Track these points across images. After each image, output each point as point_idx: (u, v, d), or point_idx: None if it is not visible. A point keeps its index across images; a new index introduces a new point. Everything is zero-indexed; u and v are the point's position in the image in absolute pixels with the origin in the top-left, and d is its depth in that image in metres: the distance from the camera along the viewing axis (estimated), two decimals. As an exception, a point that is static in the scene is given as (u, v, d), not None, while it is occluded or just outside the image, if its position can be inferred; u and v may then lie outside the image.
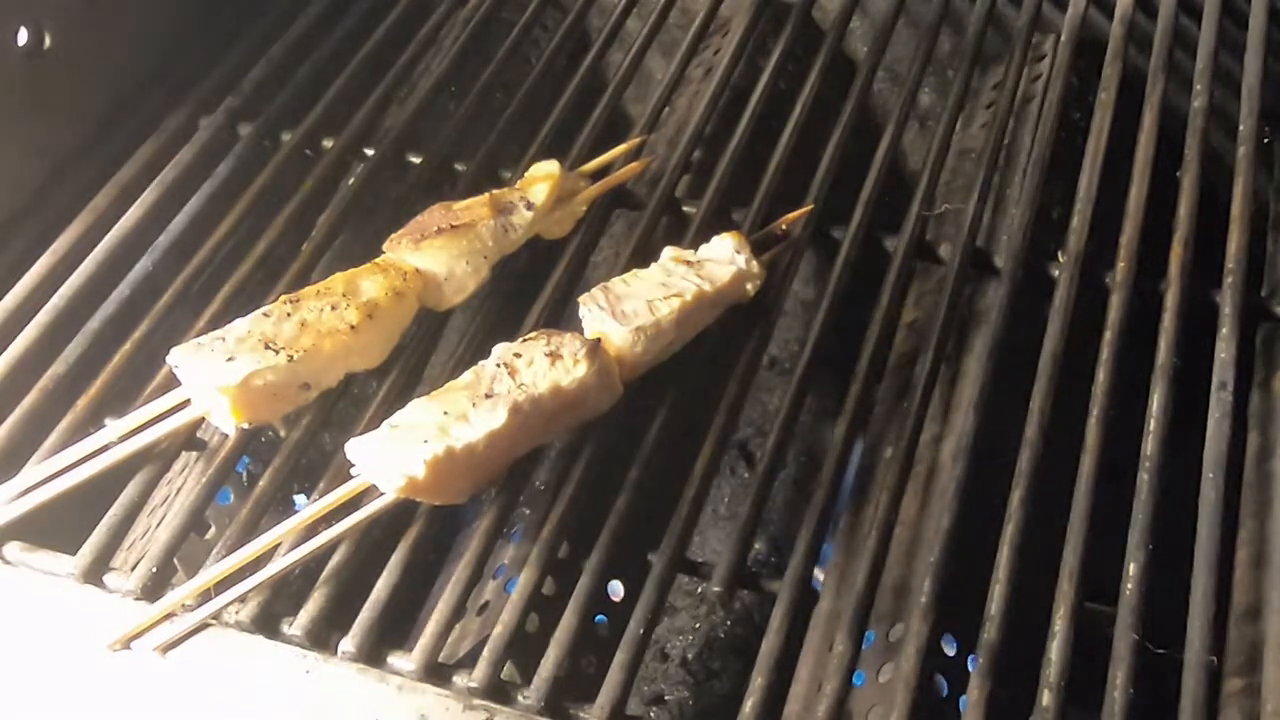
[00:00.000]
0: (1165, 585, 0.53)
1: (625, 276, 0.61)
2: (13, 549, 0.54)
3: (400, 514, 0.55)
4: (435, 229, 0.62)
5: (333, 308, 0.58)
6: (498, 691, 0.50)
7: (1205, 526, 0.55)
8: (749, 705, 0.50)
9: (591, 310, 0.59)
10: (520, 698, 0.50)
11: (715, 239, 0.63)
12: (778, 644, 0.52)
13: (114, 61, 0.77)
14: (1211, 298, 0.64)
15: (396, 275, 0.60)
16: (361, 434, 0.55)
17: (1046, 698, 0.50)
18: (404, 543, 0.54)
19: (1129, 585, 0.53)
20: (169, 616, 0.51)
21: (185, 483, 0.64)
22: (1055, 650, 0.51)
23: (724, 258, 0.62)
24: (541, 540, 0.54)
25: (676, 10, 0.83)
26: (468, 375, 0.55)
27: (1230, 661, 0.52)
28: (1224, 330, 0.62)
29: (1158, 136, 0.71)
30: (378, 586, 0.53)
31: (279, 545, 0.53)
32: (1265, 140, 0.74)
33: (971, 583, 0.54)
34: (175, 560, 0.55)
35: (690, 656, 0.88)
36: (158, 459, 0.57)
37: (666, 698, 0.87)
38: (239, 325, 0.57)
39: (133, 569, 0.53)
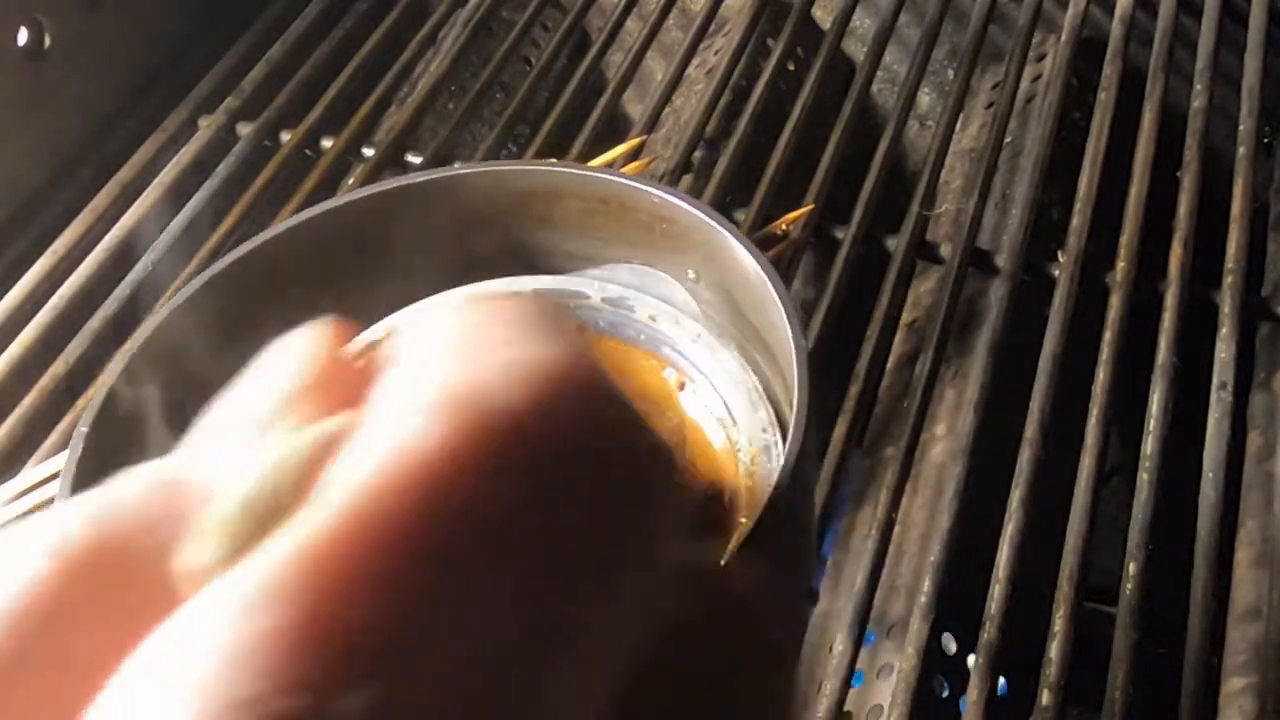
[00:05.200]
0: (1165, 585, 0.53)
1: (625, 276, 0.61)
2: (13, 549, 0.54)
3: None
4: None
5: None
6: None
7: (1205, 526, 0.55)
8: (749, 705, 0.50)
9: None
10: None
11: (715, 239, 0.63)
12: (778, 644, 0.52)
13: (114, 61, 0.77)
14: (1211, 298, 0.64)
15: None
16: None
17: (1046, 698, 0.50)
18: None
19: (1129, 585, 0.53)
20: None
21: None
22: (1055, 650, 0.51)
23: (724, 258, 0.62)
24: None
25: (676, 10, 0.83)
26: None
27: (1230, 661, 0.52)
28: (1224, 330, 0.62)
29: (1158, 136, 0.71)
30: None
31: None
32: (1265, 140, 0.74)
33: (971, 583, 0.54)
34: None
35: (690, 656, 0.88)
36: (158, 459, 0.57)
37: (666, 698, 0.86)
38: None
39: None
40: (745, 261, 0.34)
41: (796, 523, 0.32)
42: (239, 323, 0.32)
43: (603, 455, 0.12)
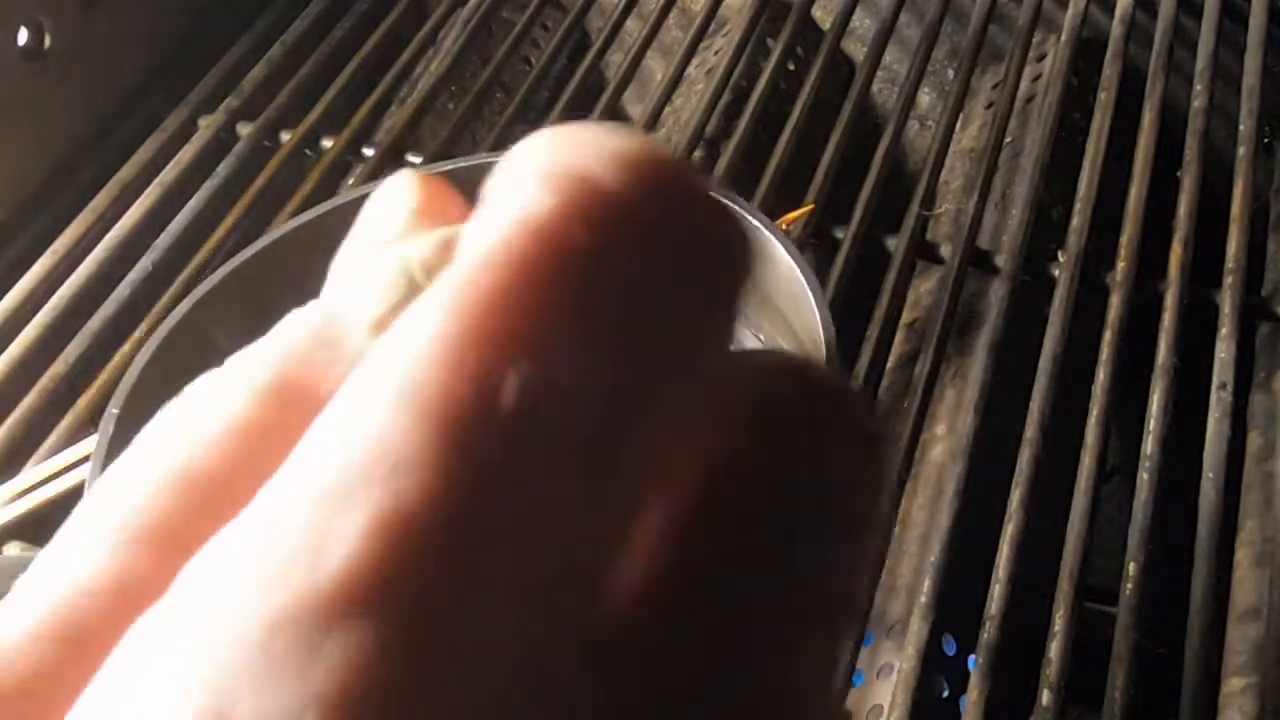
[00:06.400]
0: (1165, 585, 0.53)
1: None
2: (13, 549, 0.54)
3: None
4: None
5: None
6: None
7: (1205, 526, 0.55)
8: (749, 705, 0.50)
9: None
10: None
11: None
12: (778, 644, 0.52)
13: (114, 61, 0.77)
14: (1211, 298, 0.64)
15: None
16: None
17: (1046, 698, 0.50)
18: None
19: (1129, 585, 0.53)
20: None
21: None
22: (1055, 650, 0.51)
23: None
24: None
25: (676, 10, 0.83)
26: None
27: (1230, 661, 0.52)
28: (1224, 330, 0.62)
29: (1158, 136, 0.71)
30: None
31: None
32: (1265, 140, 0.74)
33: (971, 583, 0.54)
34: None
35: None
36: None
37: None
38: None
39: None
40: (774, 249, 0.34)
41: None
42: (262, 309, 0.33)
43: (691, 237, 0.14)
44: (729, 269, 0.15)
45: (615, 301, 0.13)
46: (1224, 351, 0.61)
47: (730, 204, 0.15)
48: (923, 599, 0.53)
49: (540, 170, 0.13)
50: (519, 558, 0.12)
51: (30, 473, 0.56)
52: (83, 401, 0.59)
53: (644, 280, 0.13)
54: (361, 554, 0.11)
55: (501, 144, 0.73)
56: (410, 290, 0.15)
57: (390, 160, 0.73)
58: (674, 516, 0.14)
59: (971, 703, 0.50)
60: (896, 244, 0.67)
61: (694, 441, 0.14)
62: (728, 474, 0.14)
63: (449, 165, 0.37)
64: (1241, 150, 0.71)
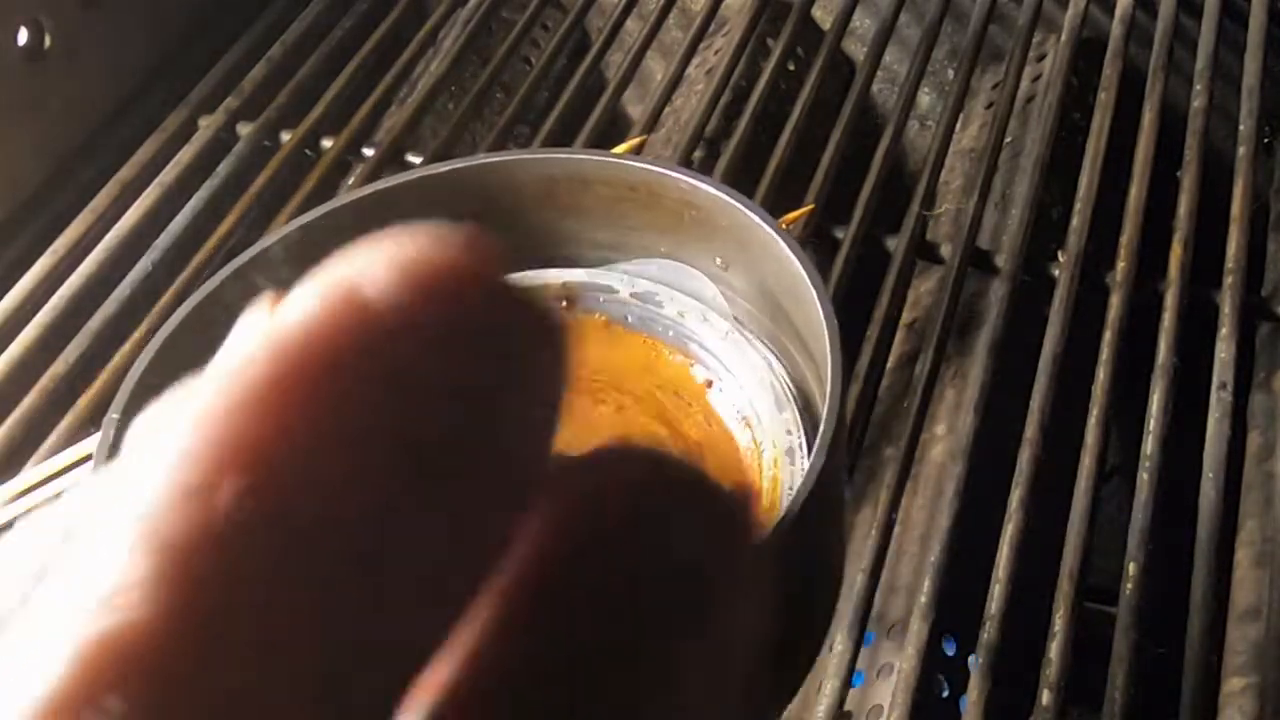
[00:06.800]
0: (1165, 585, 0.53)
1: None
2: (13, 549, 0.54)
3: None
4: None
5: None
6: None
7: (1205, 526, 0.55)
8: (749, 705, 0.50)
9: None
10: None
11: (715, 239, 0.63)
12: (778, 644, 0.52)
13: (114, 61, 0.77)
14: (1211, 298, 0.64)
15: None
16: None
17: (1046, 698, 0.50)
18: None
19: (1129, 585, 0.53)
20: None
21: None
22: (1055, 650, 0.51)
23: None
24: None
25: (676, 10, 0.83)
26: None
27: (1230, 661, 0.52)
28: (1224, 330, 0.62)
29: (1158, 136, 0.71)
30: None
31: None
32: (1265, 140, 0.74)
33: (971, 583, 0.54)
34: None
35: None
36: (158, 459, 0.57)
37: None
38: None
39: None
40: (776, 246, 0.34)
41: (815, 526, 0.31)
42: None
43: (472, 334, 0.14)
44: (527, 366, 0.14)
45: (353, 409, 0.13)
46: (1224, 351, 0.61)
47: (529, 299, 0.14)
48: (923, 599, 0.53)
49: (316, 280, 0.13)
50: (250, 676, 0.12)
51: (30, 473, 0.56)
52: (83, 401, 0.59)
53: (392, 388, 0.13)
54: (62, 679, 0.12)
55: (501, 144, 0.73)
56: None
57: (390, 160, 0.73)
58: (483, 622, 0.13)
59: (971, 703, 0.50)
60: (896, 244, 0.67)
61: (501, 537, 0.14)
62: (540, 573, 0.14)
63: (448, 166, 0.37)
64: (1241, 150, 0.71)
